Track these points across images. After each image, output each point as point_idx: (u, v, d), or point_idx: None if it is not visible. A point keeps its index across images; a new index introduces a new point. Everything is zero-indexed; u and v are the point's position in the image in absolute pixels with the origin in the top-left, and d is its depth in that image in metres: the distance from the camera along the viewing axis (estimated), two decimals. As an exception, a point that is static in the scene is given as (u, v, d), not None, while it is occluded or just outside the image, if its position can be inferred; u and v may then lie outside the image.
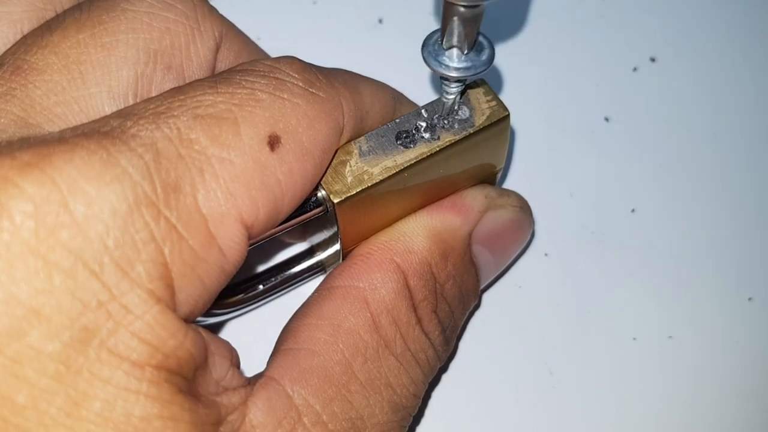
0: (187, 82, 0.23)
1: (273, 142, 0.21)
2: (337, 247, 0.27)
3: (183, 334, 0.19)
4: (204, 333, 0.20)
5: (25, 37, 0.22)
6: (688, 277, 0.32)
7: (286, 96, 0.22)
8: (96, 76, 0.22)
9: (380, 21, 0.35)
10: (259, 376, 0.22)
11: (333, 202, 0.23)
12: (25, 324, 0.17)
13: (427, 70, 0.35)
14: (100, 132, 0.19)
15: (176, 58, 0.23)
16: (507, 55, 0.36)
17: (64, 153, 0.18)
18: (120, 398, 0.18)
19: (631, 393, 0.30)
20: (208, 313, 0.27)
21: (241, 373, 0.22)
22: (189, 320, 0.20)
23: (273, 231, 0.23)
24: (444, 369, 0.30)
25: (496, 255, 0.28)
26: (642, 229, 0.33)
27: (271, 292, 0.29)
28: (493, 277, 0.30)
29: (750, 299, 0.32)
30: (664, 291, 0.32)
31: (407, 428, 0.25)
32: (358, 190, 0.24)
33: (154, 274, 0.18)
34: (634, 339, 0.31)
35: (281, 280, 0.29)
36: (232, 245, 0.20)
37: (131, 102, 0.22)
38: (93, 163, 0.18)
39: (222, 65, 0.25)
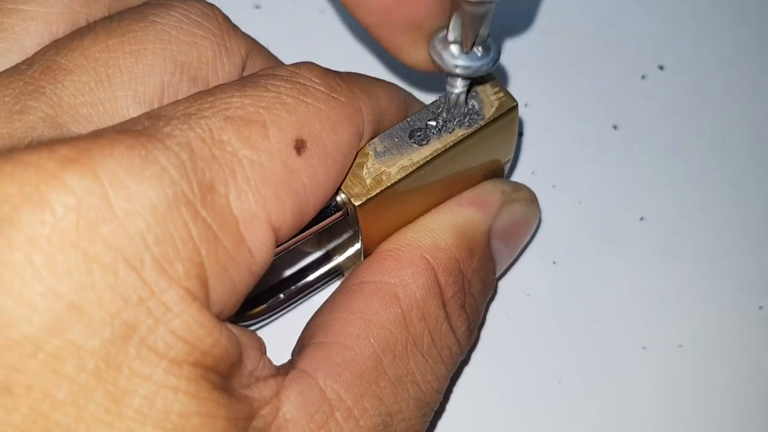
0: None
1: (299, 147, 0.21)
2: (355, 248, 0.27)
3: (219, 332, 0.19)
4: (235, 329, 0.20)
5: (56, 41, 0.23)
6: (698, 286, 0.32)
7: (309, 101, 0.22)
8: (123, 80, 0.22)
9: None
10: (289, 367, 0.22)
11: (354, 206, 0.24)
12: (66, 319, 0.17)
13: (435, 76, 0.35)
14: (134, 130, 0.19)
15: (203, 71, 0.23)
16: (515, 62, 0.36)
17: (103, 148, 0.18)
18: (159, 395, 0.18)
19: (641, 402, 0.30)
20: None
21: (270, 362, 0.22)
22: (220, 320, 0.20)
23: (295, 240, 0.23)
24: (465, 362, 0.30)
25: (509, 247, 0.29)
26: (651, 237, 0.33)
27: (293, 300, 0.29)
28: (504, 268, 0.30)
29: (760, 308, 0.31)
30: (673, 299, 0.32)
31: (428, 423, 0.25)
32: (377, 192, 0.24)
33: (192, 272, 0.18)
34: (644, 348, 0.31)
35: (301, 286, 0.29)
36: (260, 247, 0.20)
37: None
38: (133, 158, 0.18)
39: None
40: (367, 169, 0.24)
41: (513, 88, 0.35)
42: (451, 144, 0.25)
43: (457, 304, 0.25)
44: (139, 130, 0.19)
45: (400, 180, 0.24)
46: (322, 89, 0.22)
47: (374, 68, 0.36)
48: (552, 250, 0.32)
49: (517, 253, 0.30)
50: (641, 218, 0.33)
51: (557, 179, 0.34)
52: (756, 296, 0.32)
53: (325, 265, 0.29)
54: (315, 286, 0.29)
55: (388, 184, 0.24)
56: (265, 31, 0.36)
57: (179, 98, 0.23)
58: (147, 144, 0.18)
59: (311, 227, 0.24)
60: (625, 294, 0.32)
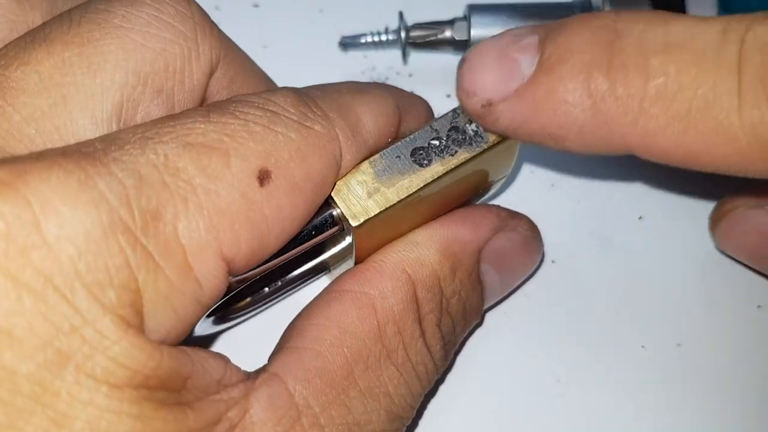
0: (177, 105, 0.23)
1: (263, 177, 0.20)
2: (343, 245, 0.27)
3: (160, 353, 0.19)
4: (185, 348, 0.20)
5: (6, 48, 0.22)
6: (697, 285, 0.32)
7: (279, 129, 0.21)
8: (79, 100, 0.21)
9: (386, 29, 0.35)
10: (261, 371, 0.22)
11: (351, 226, 0.23)
12: None
13: (435, 77, 0.35)
14: (80, 152, 0.18)
15: (168, 82, 0.23)
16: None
17: (40, 172, 0.17)
18: (104, 419, 0.18)
19: (640, 401, 0.30)
20: (222, 319, 0.27)
21: (238, 369, 0.22)
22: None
23: (290, 254, 0.23)
24: (441, 381, 0.30)
25: (503, 276, 0.28)
26: (649, 236, 0.33)
27: (278, 294, 0.28)
28: (498, 299, 0.30)
29: (759, 307, 0.31)
30: (672, 298, 0.32)
31: None
32: (376, 213, 0.24)
33: (125, 300, 0.18)
34: (643, 347, 0.31)
35: (287, 281, 0.29)
36: (210, 278, 0.20)
37: (114, 127, 0.22)
38: (69, 183, 0.18)
39: (214, 89, 0.25)
40: (367, 188, 0.24)
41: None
42: (453, 167, 0.24)
43: (432, 322, 0.25)
44: (86, 153, 0.18)
45: (399, 201, 0.24)
46: (295, 117, 0.22)
47: (370, 66, 0.36)
48: (551, 250, 0.32)
49: (513, 285, 0.30)
50: (640, 217, 0.33)
51: (556, 178, 0.34)
52: (755, 295, 0.32)
53: (311, 260, 0.29)
54: (300, 281, 0.29)
55: (387, 206, 0.24)
56: (264, 30, 0.36)
57: (140, 110, 0.22)
58: (88, 168, 0.18)
59: (307, 241, 0.24)
60: (624, 293, 0.32)
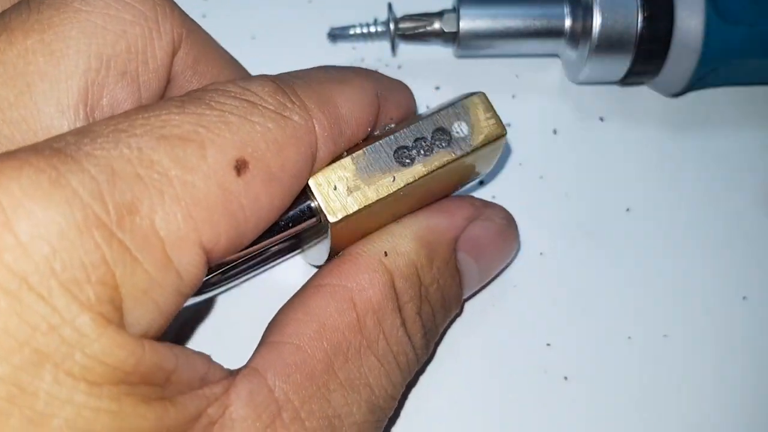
0: (142, 86, 0.23)
1: (240, 167, 0.20)
2: (318, 234, 0.27)
3: (141, 349, 0.18)
4: (168, 343, 0.20)
5: None
6: (683, 276, 0.32)
7: (256, 119, 0.21)
8: (44, 89, 0.21)
9: (375, 21, 0.35)
10: (243, 367, 0.22)
11: (329, 221, 0.23)
12: None
13: (424, 69, 0.35)
14: (52, 148, 0.18)
15: (131, 63, 0.22)
16: (507, 60, 0.36)
17: (11, 170, 0.17)
18: (81, 416, 0.17)
19: (626, 391, 0.30)
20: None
21: (221, 367, 0.22)
22: (148, 337, 0.19)
23: (266, 242, 0.23)
24: (420, 372, 0.30)
25: (481, 265, 0.28)
26: (637, 228, 0.33)
27: (250, 270, 0.28)
28: (476, 288, 0.30)
29: (744, 298, 0.32)
30: (659, 290, 0.32)
31: (382, 429, 0.25)
32: (354, 210, 0.24)
33: (104, 297, 0.18)
34: (629, 338, 0.31)
35: (260, 260, 0.28)
36: (189, 269, 0.19)
37: (81, 113, 0.21)
38: (40, 182, 0.17)
39: (179, 68, 0.25)
40: (347, 184, 0.24)
41: (500, 80, 0.35)
42: (435, 168, 0.24)
43: (412, 310, 0.25)
44: (57, 148, 0.18)
45: (378, 200, 0.24)
46: (272, 107, 0.21)
47: (358, 58, 0.36)
48: (539, 242, 0.32)
49: (491, 273, 0.30)
50: (627, 209, 0.33)
51: (545, 170, 0.34)
52: (740, 287, 0.32)
53: (284, 242, 0.29)
54: (272, 259, 0.28)
55: (366, 204, 0.24)
56: (252, 21, 0.36)
57: (105, 94, 0.22)
58: (60, 166, 0.18)
59: (284, 230, 0.23)
60: (611, 284, 0.32)
